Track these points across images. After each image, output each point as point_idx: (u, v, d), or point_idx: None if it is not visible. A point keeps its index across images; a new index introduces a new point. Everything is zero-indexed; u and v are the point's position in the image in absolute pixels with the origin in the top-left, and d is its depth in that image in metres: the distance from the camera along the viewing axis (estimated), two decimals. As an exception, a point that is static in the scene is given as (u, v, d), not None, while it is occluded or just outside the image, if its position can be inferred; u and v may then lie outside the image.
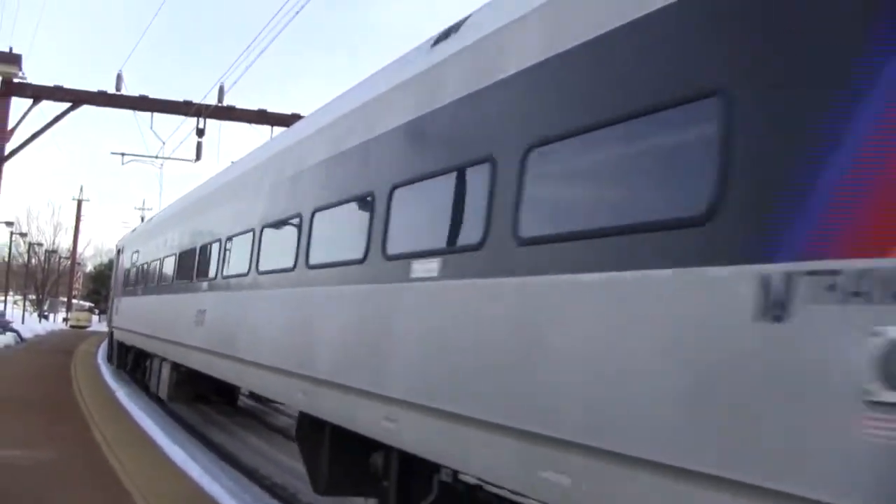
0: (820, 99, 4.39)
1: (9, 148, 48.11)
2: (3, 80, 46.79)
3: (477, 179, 7.24)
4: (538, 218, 6.55)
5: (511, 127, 6.96)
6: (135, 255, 30.75)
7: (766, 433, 4.38)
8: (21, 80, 47.56)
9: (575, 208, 6.44)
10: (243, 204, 15.41)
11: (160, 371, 22.70)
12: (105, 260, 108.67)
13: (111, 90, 47.51)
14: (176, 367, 20.66)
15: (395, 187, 8.74)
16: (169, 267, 22.76)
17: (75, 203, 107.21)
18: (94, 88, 48.55)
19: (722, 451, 4.60)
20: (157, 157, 50.48)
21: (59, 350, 45.02)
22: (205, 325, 17.00)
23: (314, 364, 10.38)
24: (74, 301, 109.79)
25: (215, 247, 17.19)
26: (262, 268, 13.40)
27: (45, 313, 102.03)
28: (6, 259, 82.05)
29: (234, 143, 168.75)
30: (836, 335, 4.07)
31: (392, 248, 8.73)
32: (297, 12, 37.91)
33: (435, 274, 7.75)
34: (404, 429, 8.11)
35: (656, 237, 5.26)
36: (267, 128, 44.60)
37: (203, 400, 21.81)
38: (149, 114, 47.01)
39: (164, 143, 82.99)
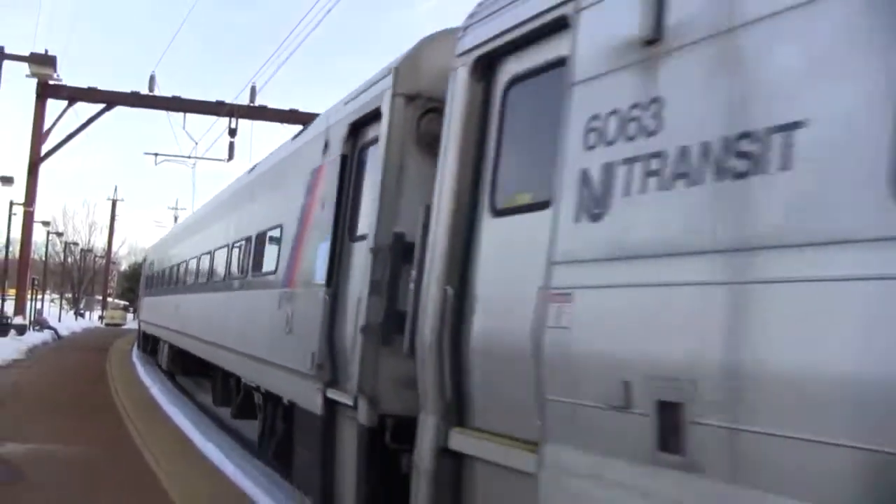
0: (290, 235, 12.15)
1: (44, 149, 48.80)
2: (38, 83, 47.48)
3: (237, 252, 16.53)
4: (254, 266, 14.65)
5: (240, 228, 16.48)
6: (151, 265, 40.57)
7: (285, 348, 11.40)
8: (56, 83, 48.22)
9: (247, 266, 15.18)
10: (179, 247, 28.50)
11: (163, 350, 30.75)
12: (139, 259, 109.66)
13: (144, 91, 48.10)
14: (171, 346, 27.87)
15: (214, 250, 19.38)
16: (164, 276, 32.74)
17: (110, 203, 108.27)
18: (127, 90, 49.16)
19: (283, 355, 11.45)
20: (189, 157, 51.00)
21: (94, 348, 45.59)
22: (178, 315, 25.60)
23: (212, 334, 18.35)
24: (109, 299, 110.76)
25: (182, 266, 27.18)
26: (197, 281, 22.88)
27: (81, 311, 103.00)
28: (43, 258, 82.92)
29: (266, 142, 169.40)
30: (308, 314, 10.37)
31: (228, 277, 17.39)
32: (328, 12, 38.24)
33: (237, 287, 16.00)
34: (234, 362, 15.44)
35: (267, 277, 13.24)
36: (298, 127, 44.97)
37: (201, 374, 25.76)
38: (181, 114, 47.57)
39: (196, 144, 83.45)
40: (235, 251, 16.83)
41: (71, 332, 62.68)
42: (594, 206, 5.06)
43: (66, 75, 69.49)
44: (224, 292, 17.67)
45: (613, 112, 5.02)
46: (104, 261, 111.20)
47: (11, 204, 53.04)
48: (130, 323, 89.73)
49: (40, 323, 54.42)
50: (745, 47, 4.24)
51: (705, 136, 4.31)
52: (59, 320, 70.30)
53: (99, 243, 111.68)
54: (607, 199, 4.97)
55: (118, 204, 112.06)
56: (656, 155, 4.64)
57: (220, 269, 18.80)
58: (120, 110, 49.62)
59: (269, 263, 13.34)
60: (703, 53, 4.48)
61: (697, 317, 4.28)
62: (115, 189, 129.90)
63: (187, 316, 23.57)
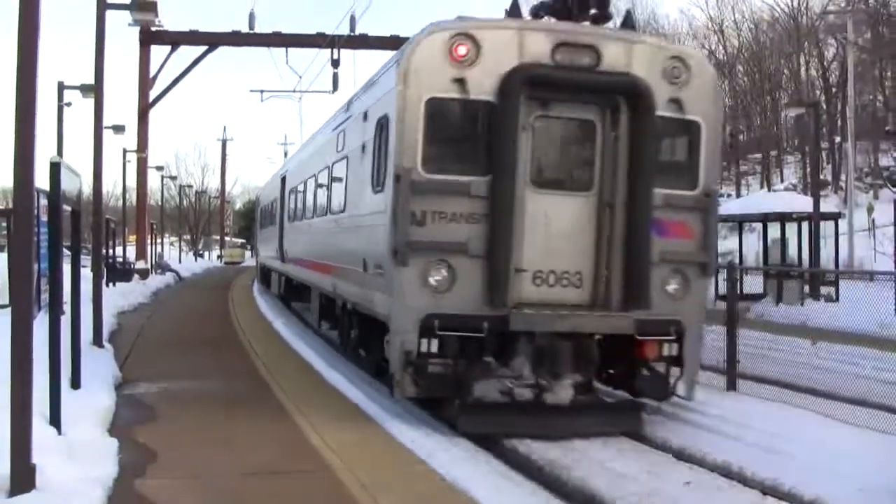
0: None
1: (152, 95, 49.45)
2: (141, 30, 47.85)
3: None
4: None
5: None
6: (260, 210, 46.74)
7: None
8: (158, 28, 48.61)
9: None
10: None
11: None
12: (253, 196, 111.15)
13: (245, 30, 48.25)
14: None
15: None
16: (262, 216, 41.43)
17: (220, 144, 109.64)
18: (228, 29, 49.40)
19: None
20: (294, 91, 51.21)
21: (216, 286, 46.51)
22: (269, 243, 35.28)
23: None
24: (227, 238, 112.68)
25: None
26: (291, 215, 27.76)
27: (200, 252, 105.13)
28: (159, 202, 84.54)
29: (369, 70, 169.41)
30: None
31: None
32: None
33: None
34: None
35: None
36: (400, 54, 44.54)
37: None
38: (283, 50, 47.62)
39: (300, 77, 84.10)
40: None
41: (192, 272, 63.83)
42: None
43: (167, 21, 69.62)
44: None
45: None
46: (218, 201, 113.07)
47: (125, 151, 53.90)
48: (249, 260, 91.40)
49: (162, 266, 55.60)
50: None
51: None
52: (180, 262, 71.85)
53: (212, 184, 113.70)
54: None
55: (228, 143, 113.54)
56: None
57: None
58: (223, 51, 49.97)
59: None
60: None
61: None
62: (224, 129, 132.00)
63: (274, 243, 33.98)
